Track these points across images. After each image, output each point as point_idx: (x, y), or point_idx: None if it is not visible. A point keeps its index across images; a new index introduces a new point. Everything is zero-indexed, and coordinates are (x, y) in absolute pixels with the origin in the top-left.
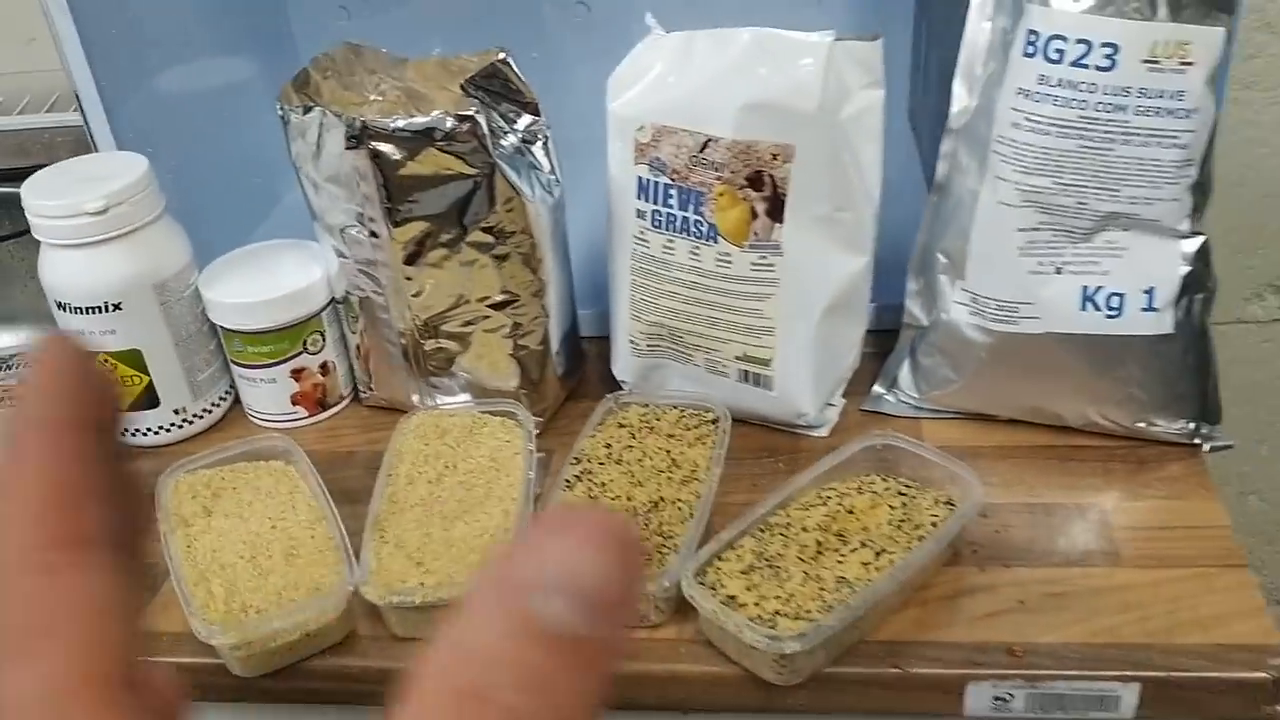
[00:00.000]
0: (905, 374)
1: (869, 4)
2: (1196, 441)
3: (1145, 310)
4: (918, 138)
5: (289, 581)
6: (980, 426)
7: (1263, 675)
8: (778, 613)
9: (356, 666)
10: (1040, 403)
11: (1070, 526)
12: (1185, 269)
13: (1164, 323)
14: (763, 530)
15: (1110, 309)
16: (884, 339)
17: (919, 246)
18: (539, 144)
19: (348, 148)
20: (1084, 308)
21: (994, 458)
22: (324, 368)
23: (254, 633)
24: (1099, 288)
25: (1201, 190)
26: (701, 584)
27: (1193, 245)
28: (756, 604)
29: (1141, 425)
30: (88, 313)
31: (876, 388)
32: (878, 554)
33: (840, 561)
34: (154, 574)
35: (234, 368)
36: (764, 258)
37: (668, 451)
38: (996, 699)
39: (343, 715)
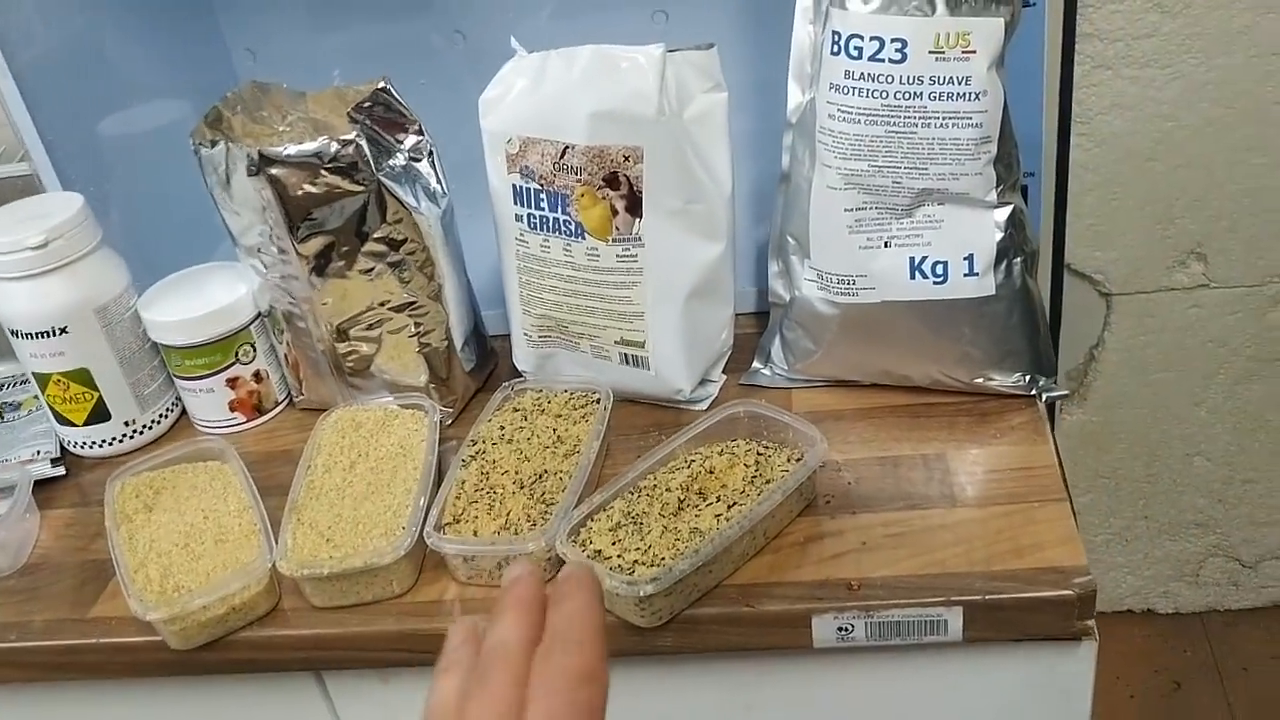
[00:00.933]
0: (776, 348)
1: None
2: (1034, 393)
3: (967, 275)
4: None
5: (218, 563)
6: (843, 392)
7: (1068, 593)
8: (637, 562)
9: (281, 635)
10: (889, 366)
11: (914, 475)
12: (999, 235)
13: (986, 285)
14: (632, 493)
15: (936, 276)
16: (766, 320)
17: (774, 231)
18: (425, 160)
19: (249, 174)
20: (913, 276)
21: (854, 419)
22: (257, 376)
23: (184, 606)
24: (924, 257)
25: (1005, 164)
26: (574, 543)
27: (1003, 214)
28: (619, 556)
29: (980, 380)
30: (37, 337)
31: (755, 363)
32: (730, 506)
33: (697, 516)
34: (106, 568)
35: (176, 380)
36: (628, 250)
37: (554, 430)
38: (840, 629)
39: (273, 684)
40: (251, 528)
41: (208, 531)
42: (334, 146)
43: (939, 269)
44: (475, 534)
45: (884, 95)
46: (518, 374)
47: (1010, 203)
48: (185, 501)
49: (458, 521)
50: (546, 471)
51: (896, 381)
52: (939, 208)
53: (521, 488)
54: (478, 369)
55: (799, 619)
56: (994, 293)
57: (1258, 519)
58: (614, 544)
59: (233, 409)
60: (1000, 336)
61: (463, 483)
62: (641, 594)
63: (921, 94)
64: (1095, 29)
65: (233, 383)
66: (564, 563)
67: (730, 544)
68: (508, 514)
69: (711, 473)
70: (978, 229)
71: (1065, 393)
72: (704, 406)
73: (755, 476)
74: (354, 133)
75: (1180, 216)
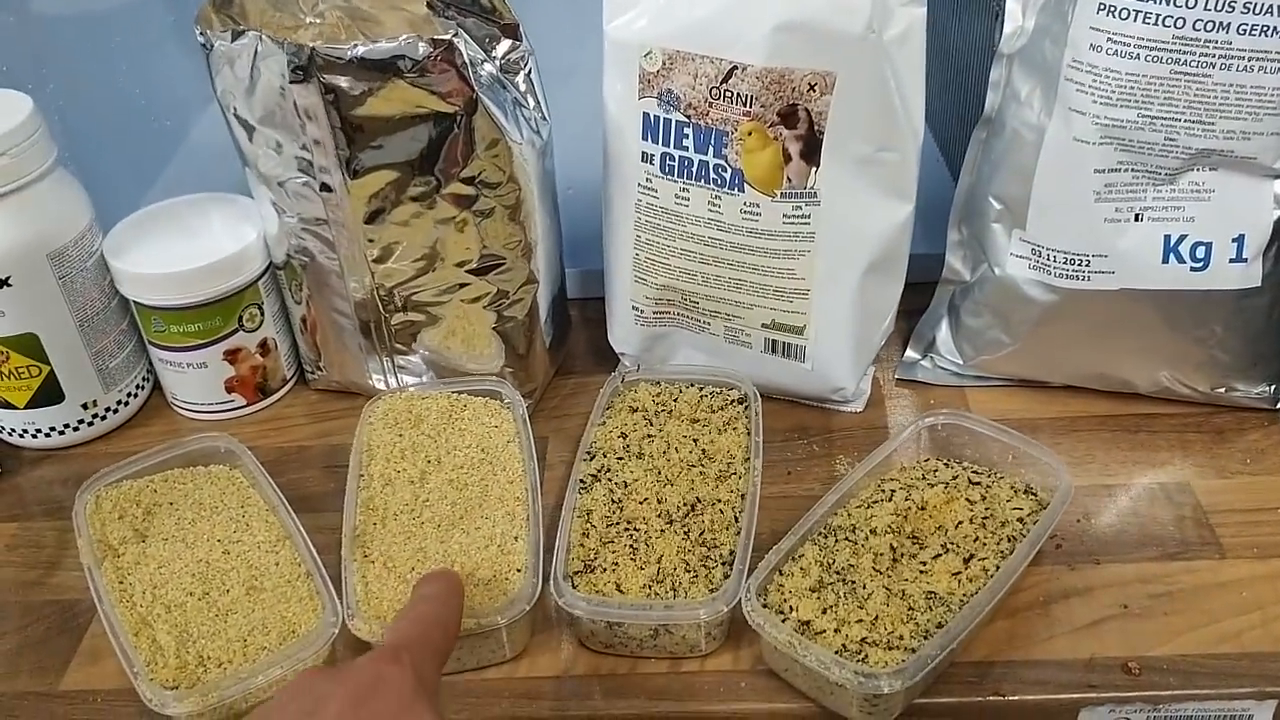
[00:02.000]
0: (944, 336)
1: None
2: (1277, 406)
3: (1234, 261)
4: None
5: (254, 622)
6: (1034, 395)
7: None
8: (865, 640)
9: None
10: (1107, 368)
11: (1158, 512)
12: (1278, 212)
13: (1253, 275)
14: (824, 535)
15: (1195, 261)
16: (907, 294)
17: (963, 190)
18: (522, 74)
19: (293, 81)
20: (1166, 260)
21: (1054, 431)
22: (263, 346)
23: (222, 694)
24: (1183, 236)
25: None
26: (766, 607)
27: None
28: (838, 630)
29: (1220, 390)
30: None
31: (910, 352)
32: (966, 560)
33: (923, 571)
34: (75, 614)
35: (153, 351)
36: (798, 208)
37: (695, 440)
38: None
39: None
40: (295, 569)
41: (232, 572)
42: (422, 49)
43: (1200, 252)
44: (619, 589)
45: (1178, 24)
46: (605, 353)
47: None
48: (191, 526)
49: (591, 570)
50: (700, 500)
51: (1107, 385)
52: (1212, 174)
53: (670, 523)
54: (555, 345)
55: (1064, 710)
56: (1259, 284)
57: None
58: (823, 611)
59: (230, 389)
60: (1255, 338)
61: (589, 514)
62: (885, 690)
63: (1230, 25)
64: None
65: (232, 356)
66: (737, 621)
67: (981, 615)
68: (659, 561)
69: (923, 509)
70: (1254, 203)
71: None
72: (859, 408)
73: (988, 518)
74: (449, 32)
75: None
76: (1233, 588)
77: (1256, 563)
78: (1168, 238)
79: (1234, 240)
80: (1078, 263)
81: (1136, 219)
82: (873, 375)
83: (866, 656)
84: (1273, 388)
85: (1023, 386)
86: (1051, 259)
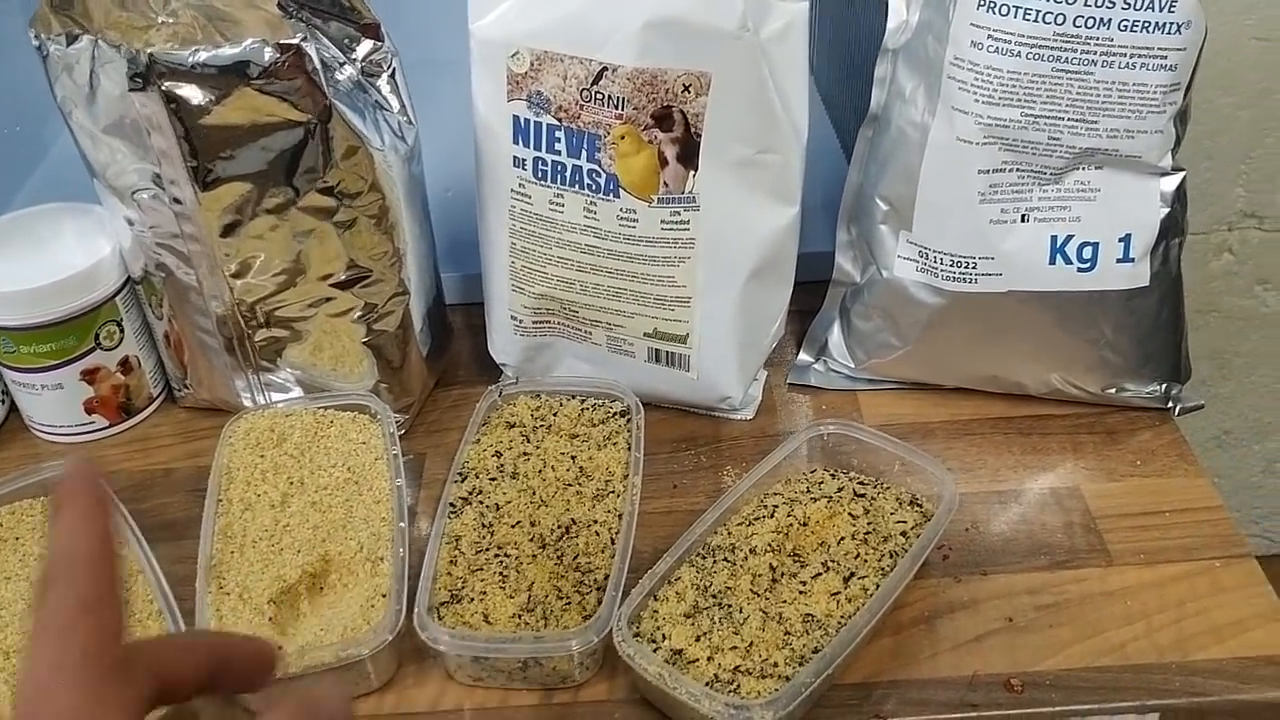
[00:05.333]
0: (836, 339)
1: None
2: (1168, 405)
3: (1121, 261)
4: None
5: None
6: (926, 397)
7: None
8: (738, 669)
9: None
10: (998, 370)
11: (1047, 518)
12: (1164, 210)
13: (1141, 274)
14: (702, 556)
15: (1082, 261)
16: (801, 293)
17: (850, 189)
18: (384, 76)
19: (132, 89)
20: (1053, 260)
21: (947, 436)
22: (125, 365)
23: None
24: (1069, 237)
25: (1183, 120)
26: (638, 636)
27: (1172, 183)
28: (710, 658)
29: (1111, 391)
30: None
31: (803, 355)
32: (846, 579)
33: (802, 592)
34: None
35: (5, 372)
36: (676, 214)
37: (573, 458)
38: None
39: None
40: (147, 605)
41: None
42: (269, 54)
43: (1086, 252)
44: (487, 619)
45: (1058, 20)
46: (487, 361)
47: (1181, 170)
48: (31, 564)
49: (457, 600)
50: (575, 522)
51: (999, 388)
52: (1096, 173)
53: (543, 547)
54: (434, 355)
55: None
56: (1147, 284)
57: None
58: (698, 639)
59: (90, 410)
60: (1145, 337)
61: (457, 540)
62: None
63: (1110, 21)
64: None
65: (91, 375)
66: (609, 651)
67: (859, 637)
68: (530, 588)
69: (805, 525)
70: (1141, 202)
71: (1201, 403)
72: (749, 415)
73: (869, 533)
74: (298, 34)
75: None
76: (1118, 597)
77: (1143, 569)
78: (1054, 238)
79: (1120, 240)
80: (964, 265)
81: (1023, 220)
82: (764, 380)
83: (739, 686)
84: (1163, 387)
85: (916, 389)
86: (938, 261)
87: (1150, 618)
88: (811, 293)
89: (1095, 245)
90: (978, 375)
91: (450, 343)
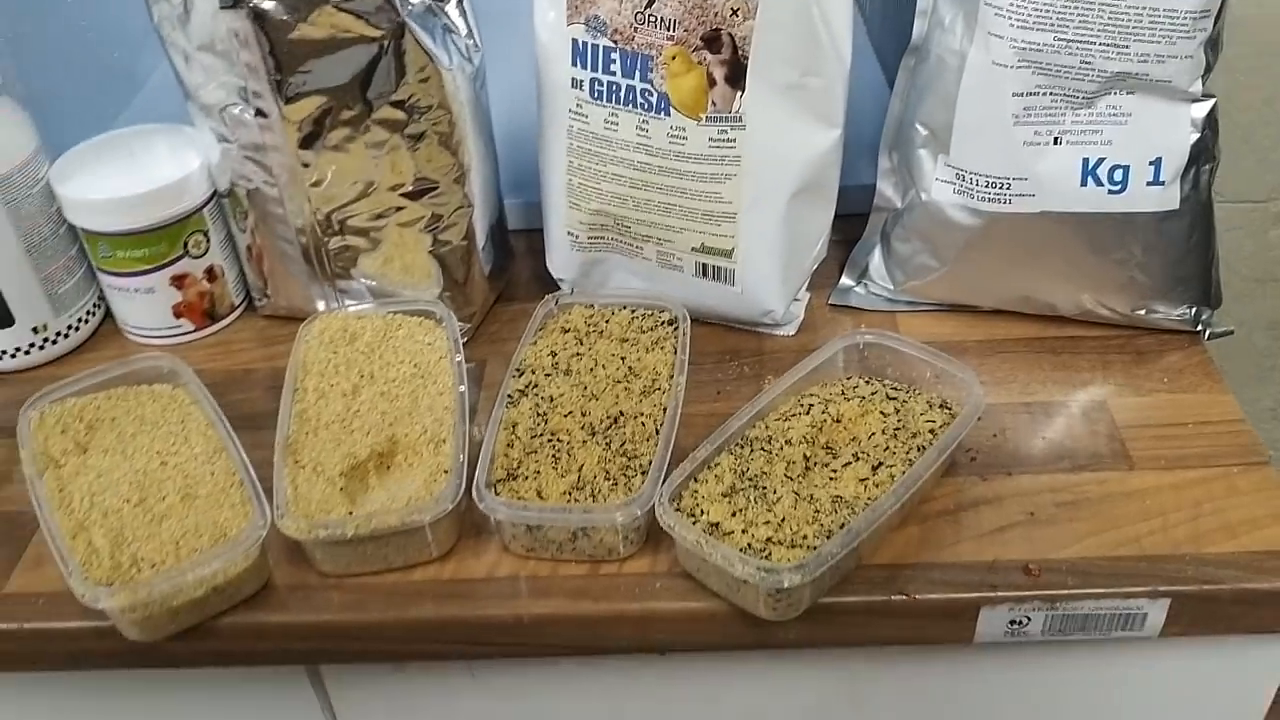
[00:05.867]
0: (877, 263)
1: None
2: (1198, 329)
3: (1151, 184)
4: None
5: (188, 526)
6: (963, 319)
7: None
8: (770, 540)
9: (275, 623)
10: (1031, 291)
11: (1073, 427)
12: (1194, 136)
13: (1171, 197)
14: (741, 446)
15: (1113, 183)
16: (847, 225)
17: (892, 118)
18: (453, 2)
19: (223, 7)
20: (1085, 183)
21: (981, 353)
22: (210, 273)
23: (149, 592)
24: (1101, 159)
25: (1214, 47)
26: (679, 511)
27: (1203, 109)
28: (745, 531)
29: (1141, 313)
30: None
31: (845, 279)
32: (874, 468)
33: (833, 478)
34: (19, 524)
35: (102, 276)
36: (724, 132)
37: (622, 359)
38: (1013, 623)
39: (253, 679)
40: (229, 478)
41: (169, 481)
42: None
43: (1118, 174)
44: (540, 495)
45: None
46: (546, 281)
47: (1212, 96)
48: (131, 440)
49: (513, 478)
50: (623, 414)
51: (1033, 309)
52: (1128, 98)
53: (592, 435)
54: (496, 273)
55: (965, 610)
56: (1177, 207)
57: None
58: (733, 514)
59: (178, 314)
60: (1175, 260)
61: (514, 426)
62: (786, 584)
63: None
64: None
65: (179, 281)
66: (654, 528)
67: (884, 518)
68: (579, 470)
69: (838, 421)
70: (1171, 127)
71: (1231, 329)
72: (790, 330)
73: (900, 429)
74: None
75: None
76: (1137, 496)
77: (1163, 473)
78: (1086, 160)
79: (1151, 163)
80: (999, 186)
81: (1055, 142)
82: (808, 301)
83: (770, 554)
84: (1193, 310)
85: (952, 311)
86: (974, 183)
87: (1167, 515)
88: (855, 225)
89: (1126, 168)
90: (1012, 296)
91: (511, 264)
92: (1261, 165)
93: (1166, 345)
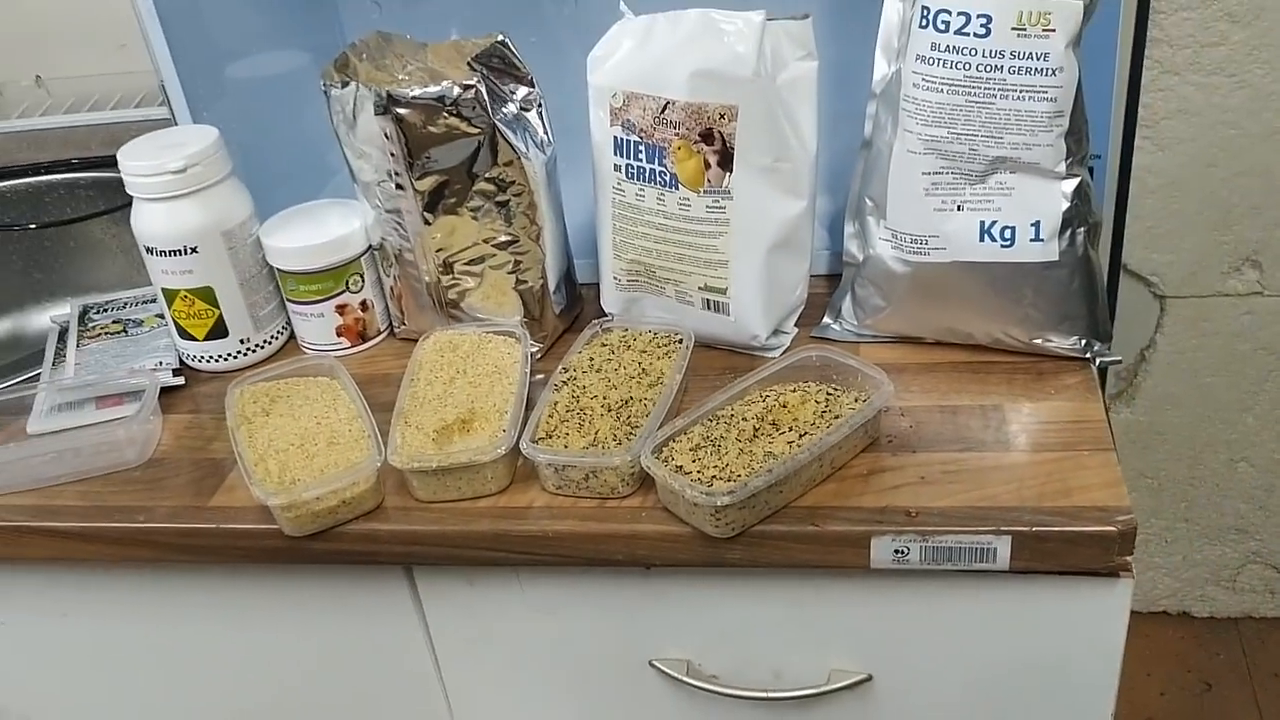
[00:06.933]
0: (847, 305)
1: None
2: (1088, 356)
3: (1033, 240)
4: None
5: (330, 461)
6: (909, 348)
7: (1110, 529)
8: (715, 478)
9: (384, 530)
10: (953, 323)
11: (972, 422)
12: (1065, 204)
13: (1050, 251)
14: (710, 420)
15: (1004, 240)
16: (838, 282)
17: (853, 194)
18: (534, 111)
19: (376, 114)
20: (982, 239)
21: (917, 372)
22: (364, 305)
23: (300, 495)
24: (994, 221)
25: (1075, 139)
26: (658, 459)
27: (1071, 185)
28: (700, 472)
29: (1039, 341)
30: (170, 255)
31: (825, 318)
32: (801, 435)
33: (770, 442)
34: (224, 466)
35: (289, 305)
36: (717, 201)
37: (639, 364)
38: (896, 552)
39: (369, 577)
40: (361, 433)
41: (321, 435)
42: (456, 91)
43: (1007, 233)
44: (566, 448)
45: (966, 67)
46: (604, 317)
47: (1078, 175)
48: (299, 409)
49: (550, 437)
50: (632, 398)
51: (959, 339)
52: (1010, 175)
53: (609, 411)
54: (566, 311)
55: (859, 540)
56: (1057, 259)
57: None
58: (694, 461)
59: (339, 334)
60: (1060, 300)
61: (555, 404)
62: (719, 504)
63: (1002, 67)
64: (1165, 35)
65: (341, 309)
66: (646, 477)
67: (800, 467)
68: (596, 433)
69: (784, 407)
70: (1046, 197)
71: (1119, 358)
72: (777, 354)
73: (825, 412)
74: (474, 79)
75: (1238, 223)
76: (1004, 469)
77: (1029, 454)
78: (982, 223)
79: (1032, 225)
80: (920, 241)
81: (958, 209)
82: (795, 334)
83: (713, 486)
84: (1083, 342)
85: (902, 342)
86: (903, 240)
87: (1023, 481)
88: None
89: (1013, 228)
90: (940, 327)
91: (579, 306)
92: None
93: (1063, 369)
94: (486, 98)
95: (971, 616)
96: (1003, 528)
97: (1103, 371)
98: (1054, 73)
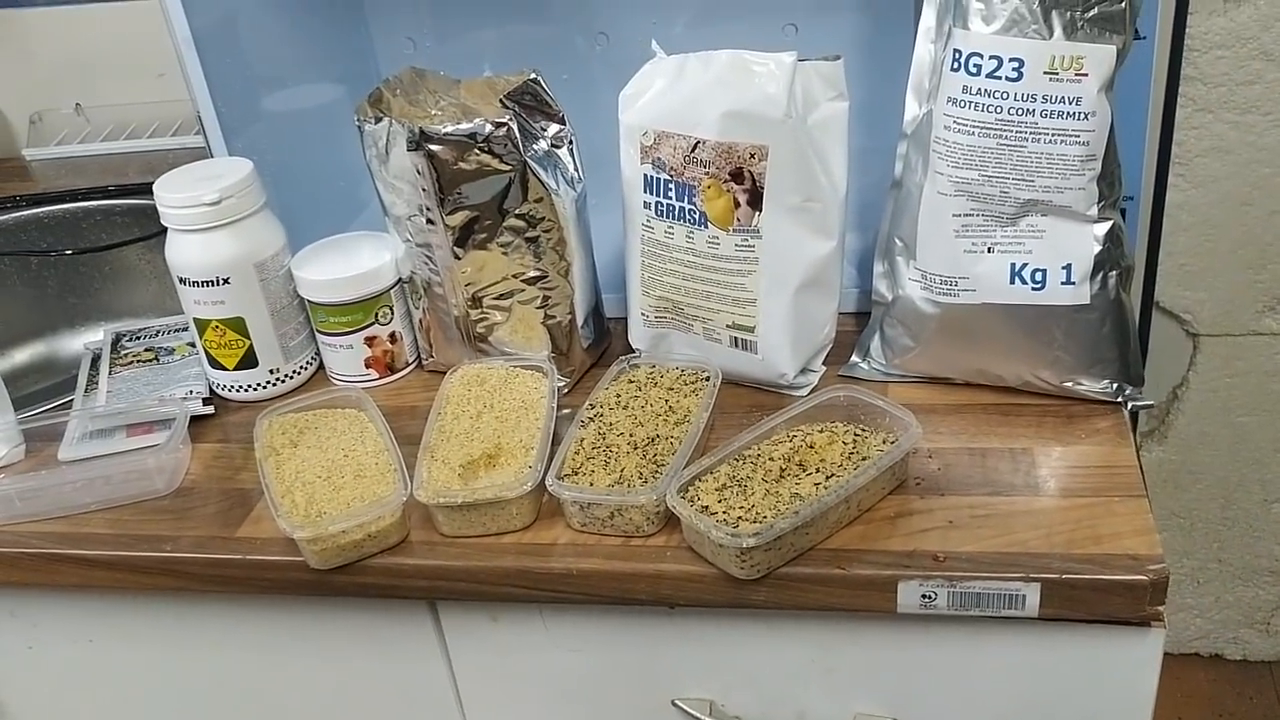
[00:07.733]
0: (875, 344)
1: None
2: (1120, 400)
3: (1064, 284)
4: None
5: (357, 494)
6: (937, 388)
7: (1142, 578)
8: (741, 518)
9: (410, 565)
10: (982, 365)
11: (1001, 465)
12: (1097, 248)
13: (1082, 294)
14: (737, 460)
15: (1035, 282)
16: (864, 318)
17: (882, 235)
18: (565, 148)
19: (409, 150)
20: (1013, 281)
21: (946, 413)
22: (392, 337)
23: (326, 528)
24: (1024, 264)
25: (1107, 182)
26: (683, 498)
27: (1103, 229)
28: (725, 512)
29: (1069, 384)
30: (202, 285)
31: (854, 357)
32: (828, 477)
33: (797, 483)
34: (251, 496)
35: (319, 336)
36: (746, 240)
37: (666, 401)
38: (924, 596)
39: (394, 612)
40: (388, 466)
41: (348, 467)
42: (488, 128)
43: (1038, 276)
44: (591, 485)
45: (998, 110)
46: (631, 352)
47: (1110, 219)
48: (327, 441)
49: (576, 474)
50: (659, 436)
51: (988, 381)
52: (1042, 218)
53: (635, 448)
54: (594, 345)
55: (886, 584)
56: (1088, 302)
57: None
58: (720, 501)
59: (368, 365)
60: (1091, 344)
61: (581, 440)
62: (744, 545)
63: (1034, 111)
64: (1199, 73)
65: (370, 341)
66: (672, 516)
67: (827, 509)
68: (622, 470)
69: (811, 447)
70: (1077, 241)
71: (1151, 403)
72: (804, 393)
73: (853, 453)
74: (506, 117)
75: (1273, 262)
76: (1033, 514)
77: (1059, 499)
78: (1013, 265)
79: (1064, 268)
80: (950, 283)
81: (989, 251)
82: (823, 372)
83: (739, 527)
84: (1114, 385)
85: (930, 382)
86: (933, 281)
87: (1052, 527)
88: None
89: (1044, 271)
90: (970, 369)
91: (607, 340)
92: None
93: (1094, 412)
94: (518, 135)
95: (999, 663)
96: (1032, 574)
97: (1134, 415)
98: (1087, 116)
